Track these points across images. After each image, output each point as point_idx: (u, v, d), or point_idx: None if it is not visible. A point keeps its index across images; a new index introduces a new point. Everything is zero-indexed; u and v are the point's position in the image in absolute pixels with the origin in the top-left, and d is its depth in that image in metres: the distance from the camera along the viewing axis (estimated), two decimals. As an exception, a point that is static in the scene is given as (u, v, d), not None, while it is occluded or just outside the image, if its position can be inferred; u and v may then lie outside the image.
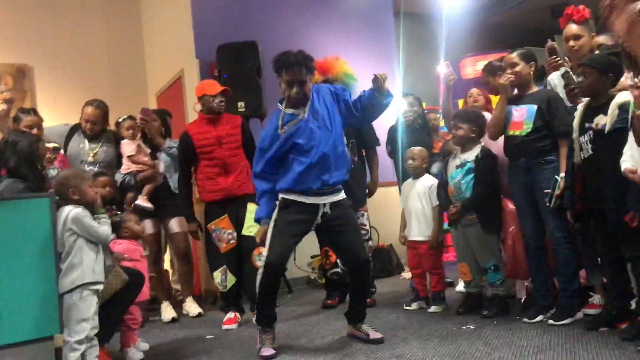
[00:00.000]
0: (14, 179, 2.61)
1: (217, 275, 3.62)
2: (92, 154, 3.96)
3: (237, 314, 3.62)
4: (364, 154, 4.10)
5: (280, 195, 2.82)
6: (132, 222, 3.08)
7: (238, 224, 3.64)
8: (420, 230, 3.51)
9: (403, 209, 3.72)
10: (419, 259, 3.55)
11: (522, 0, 7.18)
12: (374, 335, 2.83)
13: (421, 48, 7.22)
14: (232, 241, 3.63)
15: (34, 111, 3.72)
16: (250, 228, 3.60)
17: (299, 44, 5.11)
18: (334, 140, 2.81)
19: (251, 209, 3.66)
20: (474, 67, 6.22)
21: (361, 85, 5.59)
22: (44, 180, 2.93)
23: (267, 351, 2.72)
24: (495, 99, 3.55)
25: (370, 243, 4.01)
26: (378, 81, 2.83)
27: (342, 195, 2.88)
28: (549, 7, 7.67)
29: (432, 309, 3.43)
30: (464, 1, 6.95)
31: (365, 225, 3.96)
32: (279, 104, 2.92)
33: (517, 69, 3.02)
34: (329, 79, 3.79)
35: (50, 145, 3.90)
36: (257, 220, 2.89)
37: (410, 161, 3.60)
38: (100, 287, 2.48)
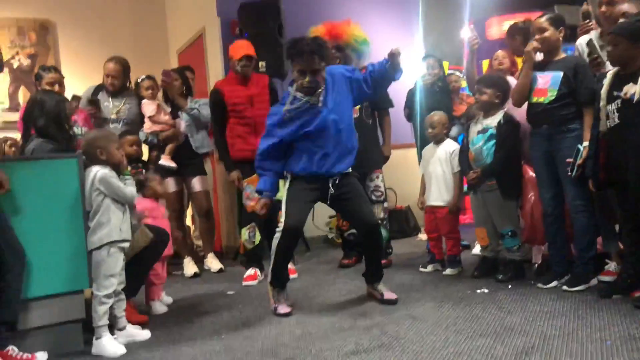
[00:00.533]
0: (43, 139, 2.67)
1: (245, 232, 3.72)
2: (115, 111, 4.03)
3: (258, 271, 3.73)
4: (376, 116, 4.07)
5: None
6: (155, 182, 3.16)
7: None
8: (439, 195, 3.54)
9: (423, 174, 3.73)
10: (436, 223, 3.59)
11: (553, -44, 6.86)
12: (389, 295, 2.91)
13: (445, 6, 7.02)
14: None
15: (54, 68, 3.76)
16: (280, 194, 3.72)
17: (320, 3, 5.10)
18: (345, 131, 2.85)
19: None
20: (500, 27, 6.05)
21: (381, 45, 5.50)
22: (72, 139, 3.00)
23: (284, 309, 2.82)
24: (520, 61, 3.49)
25: (385, 204, 4.04)
26: (395, 57, 2.81)
27: (349, 169, 2.93)
28: (583, -37, 7.37)
29: (447, 271, 3.49)
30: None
31: (380, 187, 3.97)
32: (289, 87, 2.91)
33: (546, 34, 2.94)
34: (340, 44, 3.74)
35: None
36: (259, 191, 2.93)
37: (430, 129, 3.59)
38: (127, 244, 2.57)
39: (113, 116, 4.03)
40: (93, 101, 3.97)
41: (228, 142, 3.82)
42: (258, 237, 3.72)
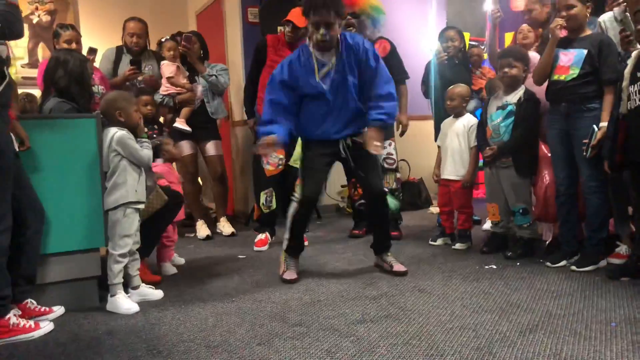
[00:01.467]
0: (60, 99, 2.69)
1: (262, 196, 3.78)
2: (151, 72, 4.05)
3: (269, 236, 3.79)
4: None
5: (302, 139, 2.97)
6: (170, 146, 3.18)
7: (287, 153, 3.77)
8: (454, 169, 3.54)
9: (440, 147, 3.71)
10: (449, 197, 3.60)
11: None
12: (398, 267, 2.95)
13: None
14: (280, 166, 3.77)
15: (72, 26, 3.75)
16: (297, 160, 3.74)
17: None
18: (352, 97, 2.83)
19: (299, 142, 3.81)
20: (525, -1, 5.87)
21: (404, 17, 5.41)
22: (91, 98, 3.02)
23: (290, 275, 2.88)
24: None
25: (398, 174, 4.05)
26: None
27: (360, 132, 2.91)
28: None
29: (457, 246, 3.51)
30: None
31: (392, 154, 3.96)
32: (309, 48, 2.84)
33: (573, 11, 2.84)
34: (356, 12, 3.72)
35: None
36: (268, 133, 2.75)
37: (449, 102, 3.55)
38: (142, 206, 2.62)
39: (140, 78, 4.07)
40: (135, 61, 3.98)
41: (259, 96, 3.83)
42: (275, 203, 3.77)
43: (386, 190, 3.04)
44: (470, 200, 3.60)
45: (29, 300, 2.35)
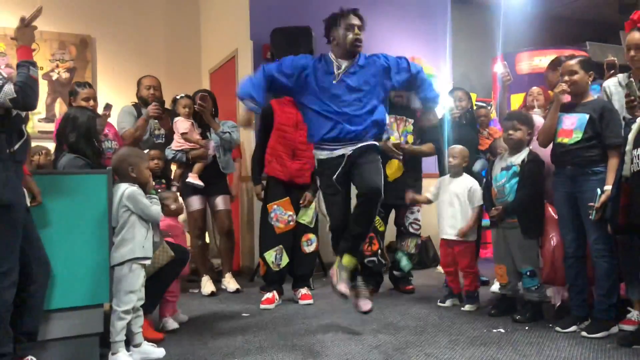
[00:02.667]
0: (74, 155, 2.76)
1: (271, 254, 3.74)
2: (159, 126, 4.17)
3: (276, 295, 3.75)
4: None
5: (315, 156, 3.00)
6: (169, 201, 3.20)
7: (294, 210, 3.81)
8: (454, 230, 3.52)
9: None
10: (452, 257, 3.57)
11: (588, -6, 6.88)
12: (364, 306, 2.95)
13: (474, 39, 7.07)
14: (291, 223, 3.77)
15: (88, 84, 3.89)
16: (303, 217, 3.84)
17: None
18: (362, 105, 2.87)
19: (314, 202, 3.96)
20: (530, 62, 6.05)
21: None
22: (101, 155, 3.09)
23: (343, 287, 2.85)
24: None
25: (419, 240, 4.10)
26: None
27: (371, 142, 2.91)
28: (617, 1, 7.35)
29: (466, 307, 3.46)
30: (525, -8, 6.74)
31: (419, 220, 4.04)
32: (329, 55, 2.97)
33: (576, 77, 2.94)
34: None
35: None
36: (244, 96, 2.89)
37: (451, 159, 3.59)
38: (148, 262, 2.63)
39: (159, 132, 4.19)
40: (159, 100, 4.07)
41: (266, 159, 3.88)
42: (285, 260, 3.75)
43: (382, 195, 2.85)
44: (474, 260, 3.57)
45: (29, 357, 2.33)
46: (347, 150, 2.87)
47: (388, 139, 3.76)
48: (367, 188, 2.79)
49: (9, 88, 2.07)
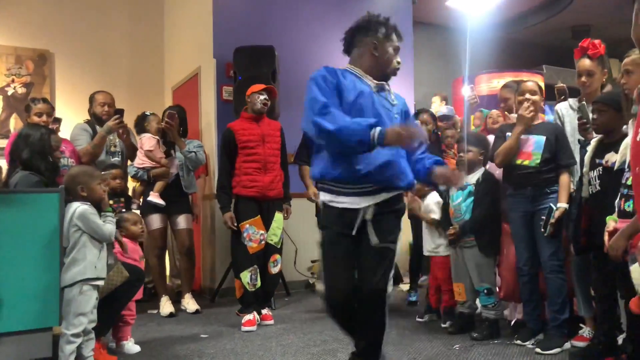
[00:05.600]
0: (28, 172, 2.69)
1: (247, 274, 3.64)
2: (115, 143, 4.09)
3: (256, 315, 3.64)
4: None
5: (320, 199, 2.24)
6: (129, 223, 3.13)
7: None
8: (432, 243, 3.59)
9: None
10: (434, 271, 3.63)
11: (543, 19, 7.15)
12: None
13: (436, 59, 7.24)
14: (262, 242, 3.70)
15: (44, 100, 3.81)
16: (271, 236, 3.76)
17: (316, 50, 5.25)
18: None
19: (277, 217, 3.82)
20: (488, 84, 6.24)
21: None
22: (56, 171, 3.01)
23: None
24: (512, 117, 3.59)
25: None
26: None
27: (396, 194, 2.22)
28: (570, 28, 7.68)
29: (447, 324, 3.45)
30: (484, 16, 6.96)
31: None
32: (352, 68, 2.32)
33: (536, 98, 3.04)
34: None
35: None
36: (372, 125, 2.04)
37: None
38: (101, 282, 2.56)
39: (116, 149, 4.11)
40: (119, 110, 3.90)
41: (234, 180, 3.76)
42: (259, 281, 3.67)
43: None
44: (447, 275, 3.56)
45: (-29, 384, 2.23)
46: (371, 201, 2.16)
47: None
48: (366, 289, 2.14)
49: None
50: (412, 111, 4.82)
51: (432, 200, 3.61)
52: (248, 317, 3.59)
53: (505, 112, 3.79)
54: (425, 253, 3.66)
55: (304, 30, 5.38)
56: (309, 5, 5.46)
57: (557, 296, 2.92)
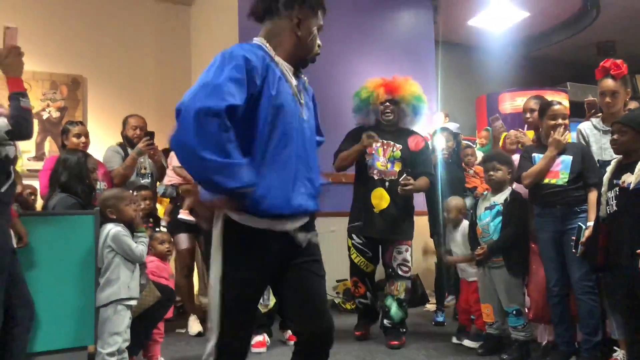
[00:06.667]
0: (66, 194, 2.79)
1: None
2: (145, 165, 4.20)
3: (266, 337, 3.62)
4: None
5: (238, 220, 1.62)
6: (156, 242, 3.20)
7: None
8: (466, 274, 3.60)
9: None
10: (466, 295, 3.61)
11: (567, 36, 7.12)
12: None
13: (459, 78, 7.25)
14: None
15: (80, 123, 3.94)
16: None
17: (339, 72, 5.32)
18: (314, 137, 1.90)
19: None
20: (512, 102, 6.21)
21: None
22: (92, 193, 3.11)
23: None
24: (530, 134, 3.60)
25: (409, 284, 3.70)
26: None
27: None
28: (595, 44, 7.62)
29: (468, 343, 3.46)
30: (507, 34, 6.97)
31: (408, 262, 3.62)
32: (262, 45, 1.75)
33: (567, 122, 3.07)
34: (396, 99, 3.62)
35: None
36: (247, 185, 1.54)
37: (446, 213, 3.66)
38: (134, 302, 2.62)
39: (147, 170, 4.21)
40: (149, 133, 4.02)
41: None
42: (273, 300, 3.63)
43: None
44: (477, 299, 3.52)
45: (11, 401, 2.29)
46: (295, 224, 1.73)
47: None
48: (315, 328, 1.74)
49: (3, 122, 2.12)
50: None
51: (461, 232, 3.60)
52: (257, 338, 3.51)
53: (519, 130, 3.77)
54: (465, 278, 3.64)
55: (324, 52, 5.42)
56: (331, 28, 5.47)
57: (589, 318, 2.88)
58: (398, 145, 3.62)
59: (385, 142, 3.62)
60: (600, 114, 3.23)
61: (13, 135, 2.15)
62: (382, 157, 3.61)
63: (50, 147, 5.41)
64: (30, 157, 5.35)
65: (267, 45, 1.75)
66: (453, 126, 5.05)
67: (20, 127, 2.15)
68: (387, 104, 3.61)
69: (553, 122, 3.06)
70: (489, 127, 4.63)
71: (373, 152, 3.60)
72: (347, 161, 3.67)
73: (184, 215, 4.10)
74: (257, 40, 1.77)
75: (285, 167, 1.67)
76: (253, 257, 1.64)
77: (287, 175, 1.67)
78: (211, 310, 1.60)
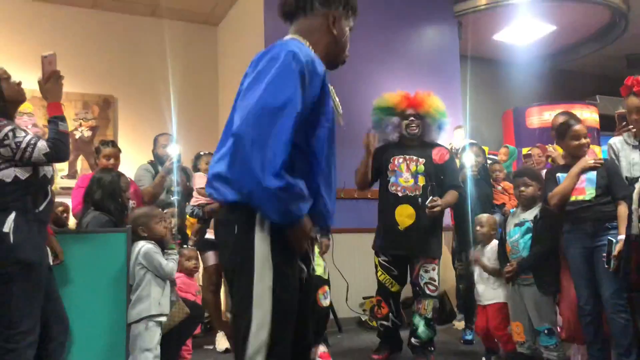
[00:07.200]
0: (99, 212, 2.87)
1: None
2: (177, 183, 4.28)
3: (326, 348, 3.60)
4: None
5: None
6: (183, 258, 3.26)
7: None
8: (487, 295, 3.47)
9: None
10: (486, 318, 3.47)
11: (596, 49, 7.03)
12: None
13: (485, 92, 7.21)
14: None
15: (112, 143, 4.05)
16: (316, 267, 3.71)
17: (364, 89, 5.35)
18: None
19: (315, 250, 3.77)
20: (540, 116, 6.15)
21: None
22: (125, 211, 3.19)
23: None
24: (560, 149, 3.55)
25: (437, 303, 3.64)
26: None
27: None
28: (625, 56, 7.50)
29: None
30: (533, 48, 6.92)
31: (435, 280, 3.53)
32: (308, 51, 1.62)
33: (588, 140, 3.06)
34: (420, 113, 3.61)
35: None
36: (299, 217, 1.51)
37: (479, 227, 3.58)
38: (164, 319, 2.67)
39: (178, 188, 4.29)
40: (184, 169, 4.12)
41: None
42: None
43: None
44: (504, 321, 3.41)
45: (45, 416, 2.34)
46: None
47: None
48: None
49: (42, 144, 2.20)
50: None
51: (491, 250, 3.52)
52: (321, 349, 3.49)
53: (546, 147, 3.75)
54: (484, 303, 3.50)
55: (352, 68, 5.50)
56: (356, 46, 5.56)
57: (622, 338, 2.80)
58: (421, 160, 3.58)
59: (408, 157, 3.60)
60: (632, 127, 3.17)
61: (51, 158, 2.22)
62: (406, 172, 3.57)
63: (82, 165, 5.56)
64: (63, 175, 5.50)
65: (306, 42, 1.66)
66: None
67: (57, 150, 2.23)
68: (412, 118, 3.61)
69: (577, 142, 3.03)
70: (508, 145, 4.60)
71: (395, 168, 3.58)
72: (360, 173, 3.63)
73: (210, 235, 4.15)
74: (297, 38, 1.66)
75: (330, 175, 1.67)
76: (295, 266, 1.61)
77: (330, 183, 1.67)
78: (255, 324, 1.49)
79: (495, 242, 3.52)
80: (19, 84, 2.34)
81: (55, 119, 2.28)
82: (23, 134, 2.19)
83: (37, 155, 2.18)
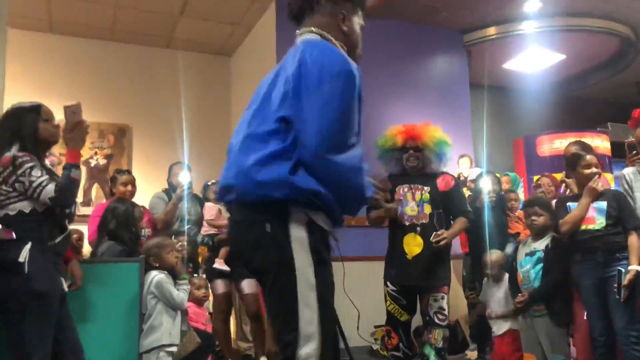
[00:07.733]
0: (113, 242, 2.92)
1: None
2: (191, 212, 4.33)
3: None
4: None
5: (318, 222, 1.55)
6: (193, 287, 3.28)
7: None
8: (499, 327, 3.53)
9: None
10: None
11: (606, 77, 7.06)
12: None
13: (497, 121, 7.23)
14: None
15: (128, 172, 4.12)
16: None
17: (374, 117, 5.40)
18: None
19: None
20: (550, 144, 6.14)
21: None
22: (138, 240, 3.23)
23: None
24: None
25: (447, 332, 3.46)
26: None
27: None
28: (635, 83, 7.52)
29: None
30: (543, 76, 6.96)
31: (444, 309, 3.40)
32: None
33: (599, 170, 3.07)
34: (418, 146, 3.59)
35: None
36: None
37: (488, 271, 3.61)
38: (175, 349, 2.68)
39: (192, 217, 4.33)
40: (196, 197, 4.18)
41: None
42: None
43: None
44: (512, 350, 3.44)
45: None
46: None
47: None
48: None
49: (50, 188, 2.24)
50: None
51: (503, 288, 3.56)
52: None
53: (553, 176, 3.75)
54: (498, 333, 3.55)
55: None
56: (367, 77, 5.61)
57: (637, 370, 2.76)
58: (426, 188, 3.54)
59: (413, 186, 3.58)
60: None
61: (55, 202, 2.26)
62: (412, 201, 3.55)
63: (96, 192, 5.64)
64: (78, 203, 5.59)
65: (331, 37, 1.66)
66: (477, 171, 5.00)
67: (63, 197, 2.26)
68: (411, 151, 3.63)
69: (589, 171, 3.05)
70: (510, 173, 4.61)
71: (401, 197, 3.59)
72: (378, 216, 3.56)
73: (218, 265, 4.17)
74: (322, 33, 1.66)
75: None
76: (330, 260, 1.59)
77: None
78: (304, 322, 1.47)
79: (505, 278, 3.53)
80: (57, 126, 2.39)
81: (70, 165, 2.30)
82: (39, 173, 2.24)
83: (43, 197, 2.23)
